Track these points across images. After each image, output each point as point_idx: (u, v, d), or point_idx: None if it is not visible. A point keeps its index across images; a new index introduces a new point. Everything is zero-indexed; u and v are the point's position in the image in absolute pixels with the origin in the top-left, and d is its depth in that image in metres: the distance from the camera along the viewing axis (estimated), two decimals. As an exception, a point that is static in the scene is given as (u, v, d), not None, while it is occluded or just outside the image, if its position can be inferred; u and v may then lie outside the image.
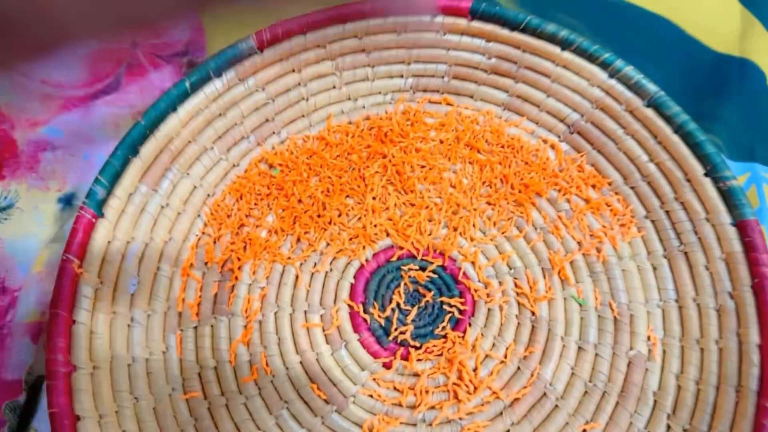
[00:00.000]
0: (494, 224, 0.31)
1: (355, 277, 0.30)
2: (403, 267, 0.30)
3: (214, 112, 0.31)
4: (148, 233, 0.29)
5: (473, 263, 0.30)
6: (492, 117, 0.33)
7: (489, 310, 0.29)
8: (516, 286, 0.30)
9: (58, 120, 0.34)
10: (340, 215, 0.31)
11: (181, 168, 0.31)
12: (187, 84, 0.30)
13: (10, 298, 0.30)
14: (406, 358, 0.28)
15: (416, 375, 0.28)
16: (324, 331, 0.29)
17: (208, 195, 0.31)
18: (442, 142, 0.33)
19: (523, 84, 0.33)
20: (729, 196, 0.28)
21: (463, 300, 0.29)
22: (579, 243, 0.30)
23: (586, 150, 0.32)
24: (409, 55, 0.33)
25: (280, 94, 0.32)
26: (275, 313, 0.29)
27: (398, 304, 0.29)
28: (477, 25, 0.32)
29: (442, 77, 0.34)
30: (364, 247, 0.30)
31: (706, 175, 0.29)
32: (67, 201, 0.33)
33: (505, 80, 0.33)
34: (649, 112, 0.31)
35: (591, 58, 0.32)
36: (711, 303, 0.28)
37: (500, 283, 0.30)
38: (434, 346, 0.28)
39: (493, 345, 0.29)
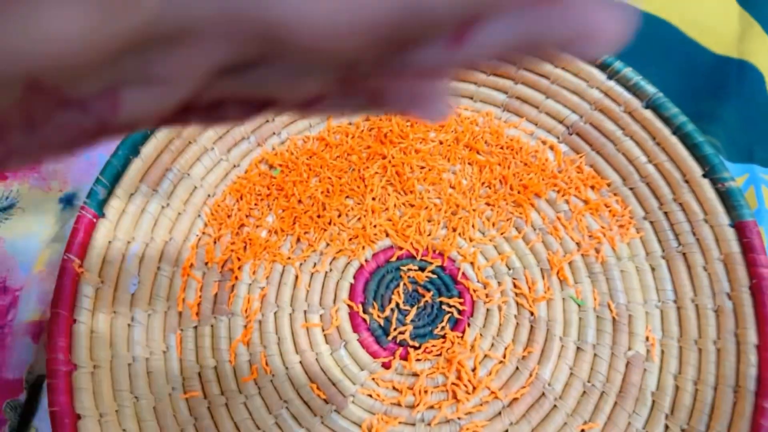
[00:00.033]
0: (493, 225, 0.31)
1: (354, 277, 0.30)
2: (402, 267, 0.30)
3: (214, 113, 0.31)
4: (149, 233, 0.29)
5: (472, 264, 0.30)
6: (491, 118, 0.34)
7: (488, 310, 0.29)
8: (515, 286, 0.30)
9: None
10: (339, 215, 0.31)
11: (181, 168, 0.31)
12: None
13: (12, 298, 0.30)
14: (405, 358, 0.29)
15: (415, 375, 0.28)
16: (323, 331, 0.29)
17: (209, 195, 0.32)
18: (441, 143, 0.33)
19: (522, 85, 0.33)
20: (727, 198, 0.29)
21: (462, 300, 0.30)
22: (578, 244, 0.31)
23: (585, 151, 0.33)
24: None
25: (280, 95, 0.33)
26: (275, 313, 0.29)
27: (397, 304, 0.30)
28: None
29: (442, 78, 0.34)
30: (363, 248, 0.31)
31: (704, 176, 0.29)
32: (68, 201, 0.33)
33: (504, 81, 0.33)
34: (648, 114, 0.31)
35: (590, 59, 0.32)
36: (709, 304, 0.28)
37: (499, 284, 0.30)
38: (433, 346, 0.29)
39: (492, 345, 0.29)
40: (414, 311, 0.29)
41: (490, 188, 0.32)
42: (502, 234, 0.31)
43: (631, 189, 0.31)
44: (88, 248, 0.27)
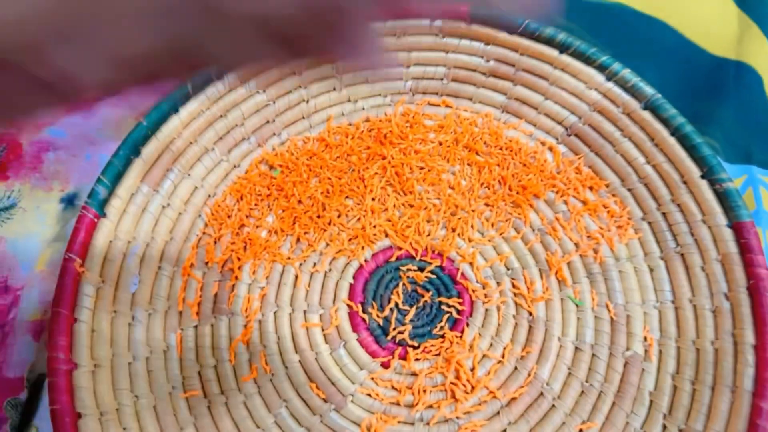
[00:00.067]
0: (492, 225, 0.31)
1: (354, 277, 0.30)
2: (401, 267, 0.31)
3: (215, 114, 0.31)
4: (150, 233, 0.30)
5: (471, 264, 0.30)
6: (490, 119, 0.34)
7: (487, 310, 0.30)
8: (513, 286, 0.30)
9: (62, 121, 0.35)
10: (339, 216, 0.31)
11: (182, 168, 0.31)
12: (189, 86, 0.30)
13: (13, 297, 0.31)
14: (404, 357, 0.29)
15: (414, 374, 0.28)
16: (323, 330, 0.29)
17: (209, 195, 0.32)
18: (441, 143, 0.33)
19: (521, 86, 0.33)
20: (725, 198, 0.29)
21: (461, 300, 0.30)
22: (576, 244, 0.31)
23: (584, 152, 0.33)
24: (408, 58, 0.34)
25: (280, 95, 0.33)
26: (275, 313, 0.29)
27: (397, 304, 0.30)
28: (476, 28, 0.33)
29: (441, 80, 0.34)
30: (363, 248, 0.31)
31: (702, 177, 0.29)
32: (69, 201, 0.33)
33: (503, 83, 0.34)
34: (646, 115, 0.31)
35: (588, 61, 0.32)
36: (707, 304, 0.28)
37: (498, 284, 0.30)
38: (432, 345, 0.29)
39: (491, 345, 0.29)
40: (413, 311, 0.30)
41: (489, 189, 0.32)
42: (500, 234, 0.31)
43: (629, 190, 0.32)
44: (89, 248, 0.28)
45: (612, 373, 0.28)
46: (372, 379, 0.28)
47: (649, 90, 0.31)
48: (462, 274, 0.30)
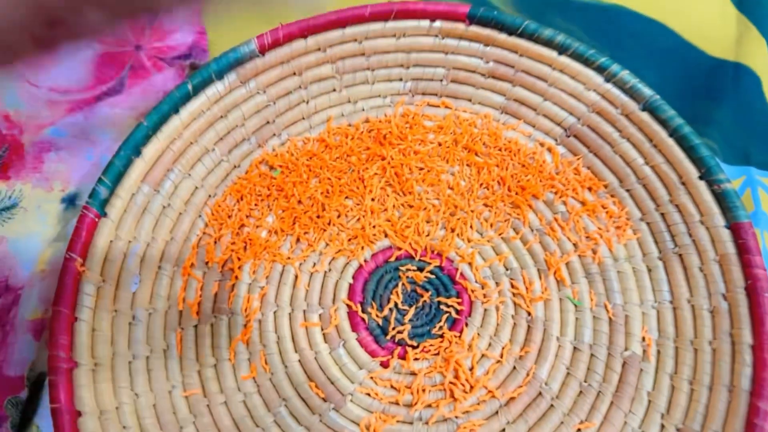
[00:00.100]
0: (491, 226, 0.32)
1: (353, 277, 0.30)
2: (401, 267, 0.31)
3: (215, 114, 0.32)
4: (150, 233, 0.30)
5: (470, 264, 0.31)
6: (489, 120, 0.34)
7: (485, 310, 0.30)
8: (512, 286, 0.30)
9: (63, 121, 0.35)
10: (339, 216, 0.32)
11: (182, 169, 0.31)
12: (190, 86, 0.30)
13: (14, 296, 0.31)
14: (403, 357, 0.29)
15: (413, 374, 0.28)
16: (322, 330, 0.29)
17: (210, 195, 0.32)
18: (440, 144, 0.33)
19: (520, 87, 0.34)
20: (723, 199, 0.29)
21: (460, 300, 0.30)
22: (575, 245, 0.31)
23: (583, 153, 0.33)
24: (408, 59, 0.34)
25: (280, 96, 0.33)
26: (274, 312, 0.29)
27: (396, 304, 0.30)
28: (475, 29, 0.33)
29: (441, 81, 0.34)
30: (362, 248, 0.31)
31: (700, 178, 0.30)
32: (70, 201, 0.33)
33: (502, 84, 0.34)
34: (645, 116, 0.31)
35: (587, 62, 0.32)
36: (705, 304, 0.28)
37: (497, 284, 0.30)
38: (431, 345, 0.29)
39: (490, 345, 0.29)
40: (412, 311, 0.30)
41: (488, 189, 0.32)
42: (499, 235, 0.31)
43: (628, 190, 0.32)
44: (90, 247, 0.28)
45: (610, 373, 0.28)
46: (371, 378, 0.28)
47: (647, 91, 0.31)
48: (461, 274, 0.30)
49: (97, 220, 0.28)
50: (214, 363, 0.28)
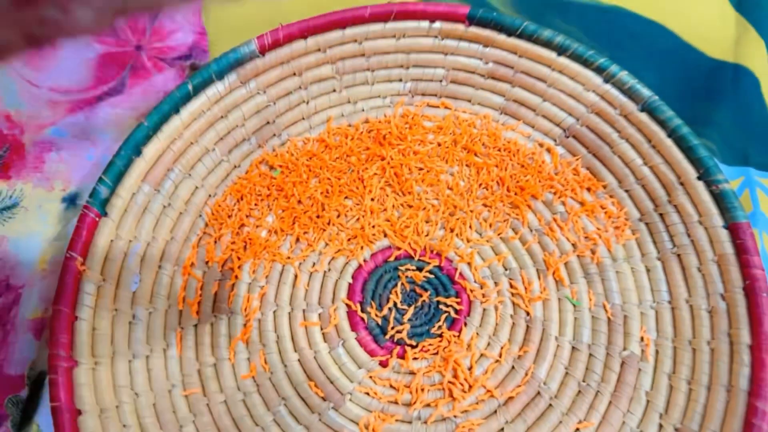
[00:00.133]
0: (490, 226, 0.32)
1: (353, 277, 0.30)
2: (400, 267, 0.31)
3: (216, 114, 0.32)
4: (150, 232, 0.30)
5: (469, 264, 0.31)
6: (489, 121, 0.34)
7: (484, 310, 0.30)
8: (511, 286, 0.30)
9: (64, 121, 0.35)
10: (338, 216, 0.32)
11: (183, 169, 0.31)
12: (190, 86, 0.31)
13: (14, 295, 0.31)
14: (402, 356, 0.29)
15: (412, 373, 0.28)
16: (322, 329, 0.29)
17: (210, 195, 0.32)
18: (439, 144, 0.33)
19: (519, 88, 0.34)
20: (721, 199, 0.29)
21: (459, 300, 0.30)
22: (574, 245, 0.31)
23: (581, 153, 0.33)
24: (407, 60, 0.34)
25: (281, 96, 0.33)
26: (274, 312, 0.30)
27: (395, 304, 0.30)
28: (474, 30, 0.33)
29: (440, 81, 0.34)
30: (362, 248, 0.31)
31: (699, 178, 0.30)
32: (71, 200, 0.33)
33: (501, 85, 0.34)
34: (643, 117, 0.31)
35: (586, 63, 0.32)
36: (703, 304, 0.28)
37: (496, 284, 0.30)
38: (430, 344, 0.29)
39: (488, 344, 0.29)
40: (411, 310, 0.30)
41: (487, 190, 0.33)
42: (498, 235, 0.32)
43: (626, 191, 0.32)
44: (91, 246, 0.28)
45: (609, 372, 0.28)
46: (370, 377, 0.28)
47: (646, 92, 0.31)
48: (460, 274, 0.30)
49: (97, 219, 0.28)
50: (213, 362, 0.28)
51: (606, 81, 0.32)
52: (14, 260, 0.32)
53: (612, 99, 0.32)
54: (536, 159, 0.33)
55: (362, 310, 0.30)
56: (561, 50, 0.32)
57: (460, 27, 0.33)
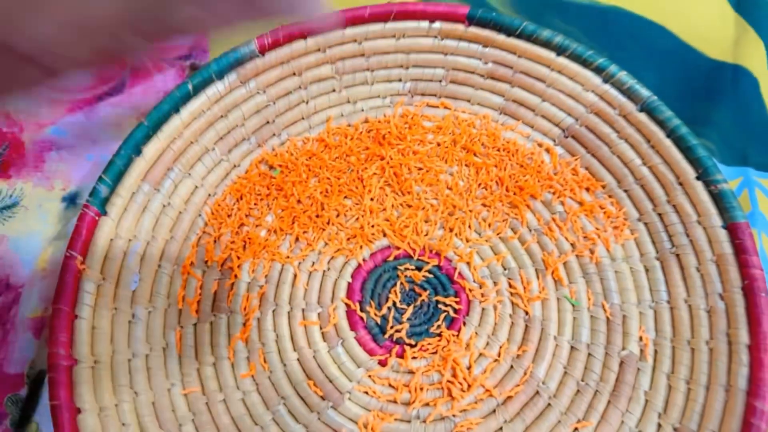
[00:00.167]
0: (489, 225, 0.32)
1: (352, 276, 0.31)
2: (399, 267, 0.31)
3: (215, 114, 0.32)
4: (150, 231, 0.30)
5: (468, 263, 0.31)
6: (488, 121, 0.34)
7: (483, 309, 0.30)
8: (510, 286, 0.30)
9: (64, 121, 0.35)
10: (338, 215, 0.32)
11: (183, 168, 0.31)
12: (190, 86, 0.31)
13: (14, 294, 0.31)
14: (401, 355, 0.29)
15: (411, 372, 0.28)
16: (321, 328, 0.29)
17: (209, 195, 0.32)
18: (439, 144, 0.33)
19: (518, 88, 0.34)
20: (720, 199, 0.29)
21: (458, 299, 0.30)
22: (572, 245, 0.31)
23: (581, 153, 0.33)
24: (407, 60, 0.34)
25: (280, 96, 0.33)
26: (273, 311, 0.30)
27: (394, 303, 0.30)
28: (474, 30, 0.33)
29: (440, 81, 0.34)
30: (361, 247, 0.31)
31: (697, 178, 0.30)
32: (71, 200, 0.33)
33: (501, 85, 0.34)
34: (642, 117, 0.31)
35: (585, 63, 0.32)
36: (702, 304, 0.28)
37: (495, 283, 0.30)
38: (429, 344, 0.29)
39: (487, 344, 0.29)
40: (410, 310, 0.30)
41: (486, 189, 0.33)
42: (497, 234, 0.32)
43: (625, 191, 0.32)
44: (90, 245, 0.28)
45: (608, 372, 0.28)
46: (369, 376, 0.28)
47: (645, 92, 0.31)
48: (459, 273, 0.31)
49: (97, 218, 0.28)
50: (213, 361, 0.28)
51: (605, 81, 0.32)
52: (14, 259, 0.32)
53: (611, 99, 0.32)
54: (535, 159, 0.33)
55: (361, 310, 0.30)
56: (560, 50, 0.32)
57: (459, 27, 0.33)
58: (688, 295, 0.29)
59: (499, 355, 0.29)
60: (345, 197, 0.32)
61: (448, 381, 0.28)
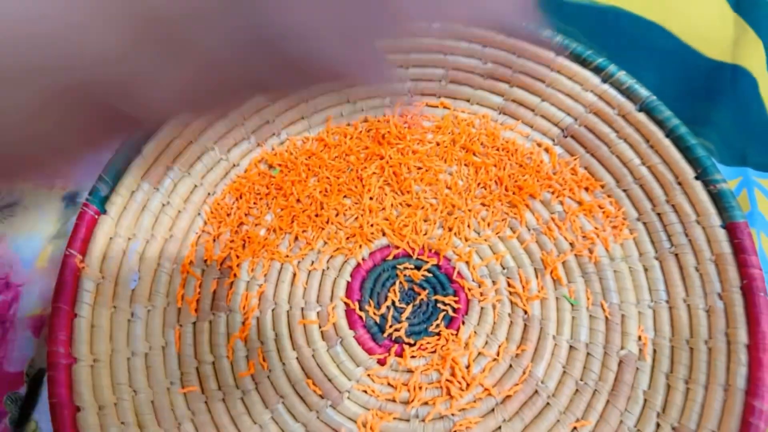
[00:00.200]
0: (488, 225, 0.32)
1: (351, 276, 0.31)
2: (398, 266, 0.31)
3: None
4: (150, 230, 0.30)
5: (467, 263, 0.31)
6: (488, 120, 0.34)
7: (482, 308, 0.30)
8: (509, 285, 0.30)
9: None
10: (337, 215, 0.32)
11: (182, 167, 0.31)
12: (190, 85, 0.31)
13: (14, 293, 0.31)
14: (400, 354, 0.29)
15: (410, 371, 0.28)
16: (320, 327, 0.29)
17: (209, 194, 0.32)
18: (438, 144, 0.34)
19: (518, 88, 0.34)
20: (719, 199, 0.29)
21: (456, 298, 0.30)
22: (571, 244, 0.31)
23: (580, 153, 0.33)
24: (407, 59, 0.34)
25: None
26: (272, 310, 0.30)
27: (393, 302, 0.30)
28: (474, 30, 0.33)
29: (440, 81, 0.35)
30: (360, 246, 0.31)
31: (696, 178, 0.30)
32: (70, 199, 0.34)
33: (500, 85, 0.34)
34: (641, 117, 0.31)
35: (584, 63, 0.32)
36: (701, 304, 0.28)
37: (493, 283, 0.30)
38: (428, 343, 0.29)
39: (486, 343, 0.29)
40: (409, 309, 0.30)
41: (485, 189, 0.33)
42: (497, 234, 0.32)
43: (624, 191, 0.32)
44: (90, 244, 0.28)
45: (606, 371, 0.28)
46: (368, 375, 0.28)
47: (644, 92, 0.31)
48: (458, 272, 0.31)
49: (97, 217, 0.28)
50: (212, 360, 0.28)
51: (604, 81, 0.32)
52: (14, 258, 0.32)
53: (610, 99, 0.32)
54: (534, 159, 0.33)
55: (360, 309, 0.30)
56: (559, 50, 0.32)
57: (459, 27, 0.33)
58: (686, 294, 0.29)
59: (497, 355, 0.29)
60: (344, 196, 0.32)
61: (447, 380, 0.28)
